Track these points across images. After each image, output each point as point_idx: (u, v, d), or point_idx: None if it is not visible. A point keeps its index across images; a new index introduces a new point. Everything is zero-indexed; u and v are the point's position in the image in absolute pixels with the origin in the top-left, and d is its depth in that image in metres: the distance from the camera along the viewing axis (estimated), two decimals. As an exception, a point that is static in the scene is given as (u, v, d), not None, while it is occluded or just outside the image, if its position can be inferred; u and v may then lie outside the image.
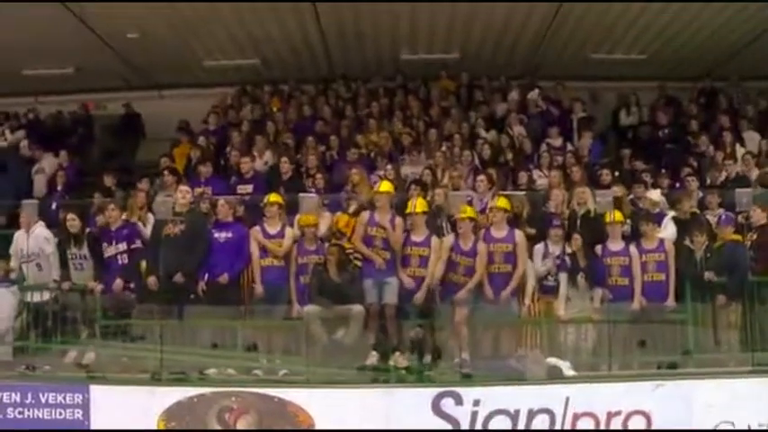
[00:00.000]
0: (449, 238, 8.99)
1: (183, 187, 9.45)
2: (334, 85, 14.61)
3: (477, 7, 12.35)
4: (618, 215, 9.22)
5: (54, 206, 11.14)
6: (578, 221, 9.57)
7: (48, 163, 13.31)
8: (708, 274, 8.89)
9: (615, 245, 9.08)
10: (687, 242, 9.21)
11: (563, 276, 8.99)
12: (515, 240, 8.89)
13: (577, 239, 9.06)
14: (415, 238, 8.90)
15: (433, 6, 12.35)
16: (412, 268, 8.81)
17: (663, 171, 11.61)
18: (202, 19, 12.68)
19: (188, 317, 8.82)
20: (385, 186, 9.18)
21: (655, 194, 10.16)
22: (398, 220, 8.93)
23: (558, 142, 12.73)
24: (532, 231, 9.35)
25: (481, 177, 10.26)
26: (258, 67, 14.69)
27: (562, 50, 14.04)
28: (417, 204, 8.97)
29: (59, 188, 12.29)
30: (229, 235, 9.10)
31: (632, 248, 9.05)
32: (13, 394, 8.30)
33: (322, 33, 13.42)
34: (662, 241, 9.12)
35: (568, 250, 9.08)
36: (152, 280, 8.80)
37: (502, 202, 9.06)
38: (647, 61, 14.30)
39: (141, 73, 15.08)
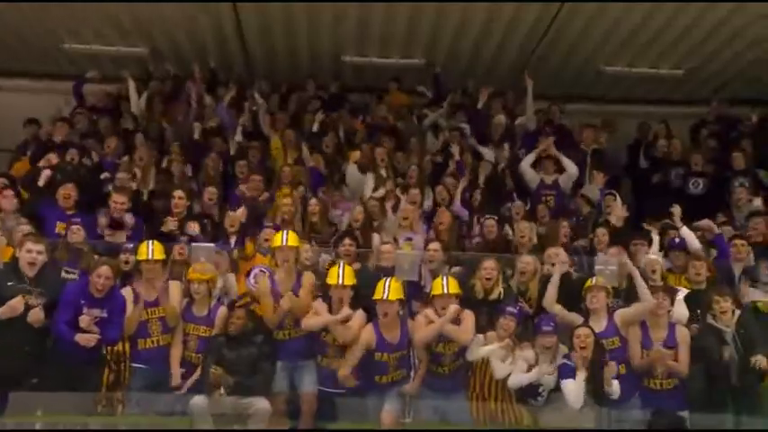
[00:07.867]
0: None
1: (34, 246, 8.03)
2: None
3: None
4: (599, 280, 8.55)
5: None
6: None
7: None
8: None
9: (597, 323, 8.30)
10: (710, 320, 8.36)
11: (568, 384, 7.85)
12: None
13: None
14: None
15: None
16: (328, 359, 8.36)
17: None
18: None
19: (14, 409, 7.71)
20: (292, 240, 8.64)
21: (654, 257, 9.36)
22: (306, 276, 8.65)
23: (549, 178, 11.67)
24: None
25: (434, 246, 9.59)
26: (145, 57, 13.72)
27: (564, 61, 13.31)
28: (345, 275, 8.34)
29: None
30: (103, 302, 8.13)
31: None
32: None
33: (238, 22, 12.54)
34: (671, 328, 8.25)
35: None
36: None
37: (453, 286, 8.34)
38: (685, 78, 13.56)
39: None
